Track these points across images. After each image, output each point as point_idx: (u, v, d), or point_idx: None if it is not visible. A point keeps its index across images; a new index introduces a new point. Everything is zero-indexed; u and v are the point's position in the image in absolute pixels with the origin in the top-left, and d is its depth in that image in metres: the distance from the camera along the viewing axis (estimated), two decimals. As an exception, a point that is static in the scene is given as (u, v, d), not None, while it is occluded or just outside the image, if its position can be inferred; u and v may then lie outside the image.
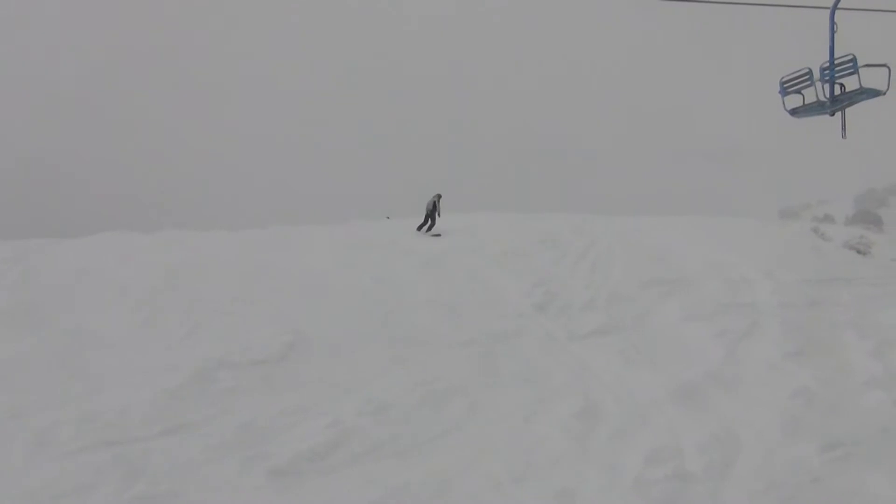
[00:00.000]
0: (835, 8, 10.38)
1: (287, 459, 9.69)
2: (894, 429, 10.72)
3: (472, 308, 17.23)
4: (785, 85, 11.01)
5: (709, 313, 16.68)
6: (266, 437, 10.44)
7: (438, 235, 26.07)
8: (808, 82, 10.66)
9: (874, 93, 10.35)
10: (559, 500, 8.47)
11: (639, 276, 19.61)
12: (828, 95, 10.52)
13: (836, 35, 10.45)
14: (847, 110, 10.99)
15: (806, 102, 10.90)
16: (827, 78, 10.48)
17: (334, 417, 10.98)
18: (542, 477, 9.19)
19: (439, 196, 27.24)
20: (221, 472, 9.39)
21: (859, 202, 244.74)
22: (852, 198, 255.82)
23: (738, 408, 11.53)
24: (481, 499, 8.71)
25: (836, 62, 10.38)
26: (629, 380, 12.83)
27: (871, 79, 10.37)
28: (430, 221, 26.88)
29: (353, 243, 23.74)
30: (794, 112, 11.19)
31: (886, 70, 10.17)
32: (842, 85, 10.47)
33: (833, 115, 10.72)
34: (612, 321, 16.31)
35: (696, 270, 20.60)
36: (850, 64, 10.14)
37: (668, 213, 32.59)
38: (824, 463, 9.47)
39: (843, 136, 10.86)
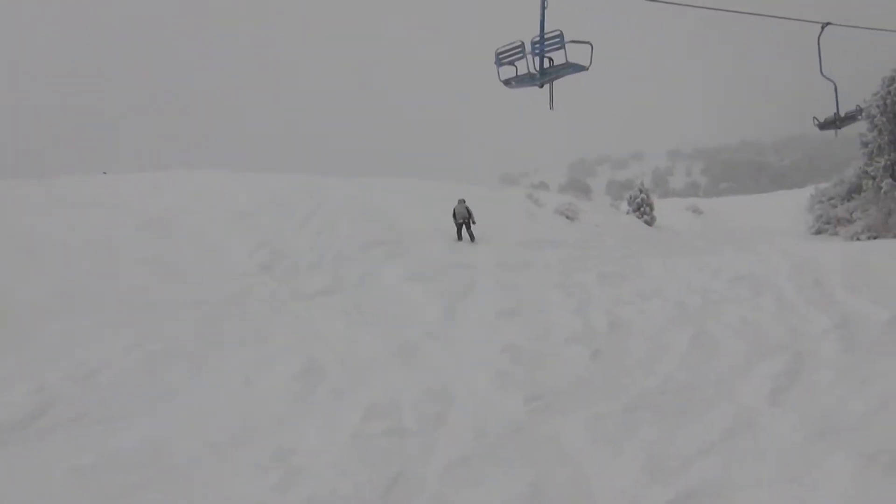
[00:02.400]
0: None
1: (-15, 429, 8.98)
2: (590, 380, 11.70)
3: (196, 269, 16.73)
4: (500, 56, 11.51)
5: (430, 274, 17.31)
6: (-40, 406, 9.59)
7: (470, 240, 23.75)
8: (521, 54, 11.21)
9: (579, 68, 11.09)
10: (276, 460, 8.47)
11: (364, 237, 19.95)
12: (537, 68, 11.13)
13: (546, 11, 11.04)
14: (556, 83, 11.70)
15: (518, 74, 11.47)
16: (537, 51, 11.07)
17: (39, 383, 10.30)
18: (261, 437, 9.15)
19: (463, 201, 24.08)
20: None
21: (571, 171, 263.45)
22: (565, 166, 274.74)
23: (453, 364, 12.08)
24: (198, 462, 8.53)
25: (545, 37, 10.99)
26: (352, 339, 13.05)
27: (576, 55, 11.11)
28: (466, 228, 23.65)
29: (68, 203, 22.17)
30: (508, 83, 11.74)
31: (589, 47, 10.92)
32: (550, 59, 11.11)
33: (542, 86, 11.35)
34: (336, 281, 16.50)
35: (419, 232, 21.28)
36: (558, 39, 10.78)
37: (396, 178, 33.31)
38: (527, 413, 10.16)
39: (551, 108, 11.56)
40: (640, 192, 47.14)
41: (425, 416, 9.88)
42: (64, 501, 7.59)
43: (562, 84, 11.71)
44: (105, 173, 33.09)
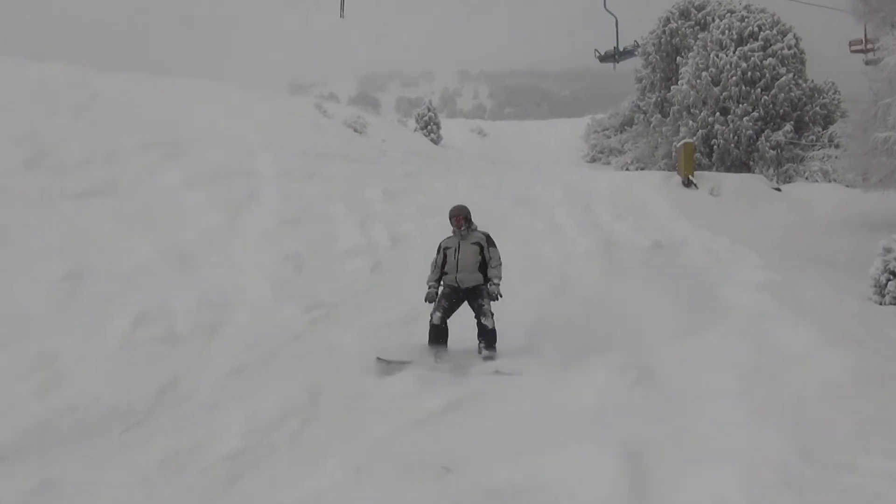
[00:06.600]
0: None
1: None
2: (367, 291, 11.90)
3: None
4: None
5: (209, 179, 16.68)
6: None
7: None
8: None
9: None
10: (37, 365, 8.01)
11: (142, 136, 18.83)
12: None
13: None
14: None
15: None
16: None
17: None
18: (19, 342, 8.58)
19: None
20: None
21: (362, 85, 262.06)
22: (356, 80, 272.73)
23: (232, 272, 11.85)
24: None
25: None
26: (122, 242, 12.38)
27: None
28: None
29: None
30: None
31: None
32: None
33: None
34: (109, 182, 15.52)
35: (198, 136, 20.41)
36: None
37: (178, 77, 31.64)
38: (306, 322, 10.21)
39: (342, 16, 11.39)
40: (429, 110, 47.60)
41: (200, 324, 9.68)
42: None
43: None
44: None
